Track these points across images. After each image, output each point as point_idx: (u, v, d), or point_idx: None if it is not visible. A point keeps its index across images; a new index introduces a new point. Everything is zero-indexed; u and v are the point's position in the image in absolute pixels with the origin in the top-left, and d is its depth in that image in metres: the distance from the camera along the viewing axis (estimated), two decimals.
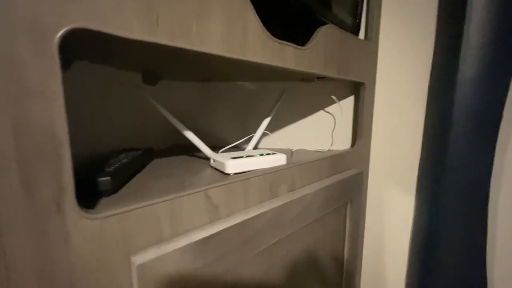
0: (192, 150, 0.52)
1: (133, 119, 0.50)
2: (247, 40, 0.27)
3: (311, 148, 0.57)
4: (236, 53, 0.26)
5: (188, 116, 0.62)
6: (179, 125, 0.39)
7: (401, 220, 0.61)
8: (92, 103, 0.42)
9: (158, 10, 0.20)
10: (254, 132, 0.60)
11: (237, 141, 0.61)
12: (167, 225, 0.23)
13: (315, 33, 0.37)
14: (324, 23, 0.39)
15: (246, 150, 0.46)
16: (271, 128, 0.60)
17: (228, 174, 0.33)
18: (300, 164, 0.38)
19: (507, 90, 0.47)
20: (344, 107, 0.56)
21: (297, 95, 0.57)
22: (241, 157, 0.35)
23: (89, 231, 0.18)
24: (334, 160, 0.46)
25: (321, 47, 0.38)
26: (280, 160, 0.37)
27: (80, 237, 0.18)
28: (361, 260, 0.63)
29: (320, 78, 0.51)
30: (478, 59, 0.47)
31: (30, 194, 0.16)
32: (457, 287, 0.53)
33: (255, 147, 0.52)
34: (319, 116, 0.57)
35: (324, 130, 0.58)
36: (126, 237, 0.20)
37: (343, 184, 0.45)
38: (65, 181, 0.17)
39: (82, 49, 0.26)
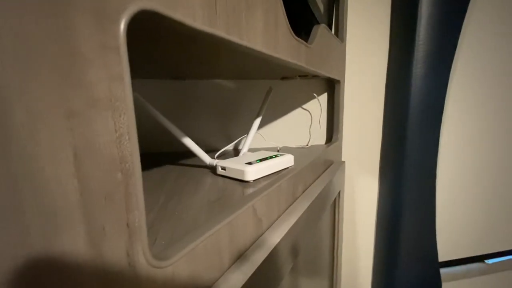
0: (170, 157, 0.46)
1: None
2: (278, 36, 0.25)
3: (291, 144, 0.58)
4: (271, 50, 0.24)
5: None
6: (175, 131, 0.34)
7: (368, 202, 0.68)
8: None
9: None
10: (236, 133, 0.57)
11: (217, 144, 0.57)
12: (227, 252, 0.19)
13: (313, 31, 0.37)
14: (311, 22, 0.40)
15: (243, 153, 0.43)
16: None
17: (248, 181, 0.30)
18: (309, 163, 0.38)
19: (446, 85, 0.57)
20: (317, 104, 0.59)
21: (275, 93, 0.57)
22: (255, 161, 0.33)
23: (162, 283, 0.14)
24: (325, 156, 0.48)
25: (319, 46, 0.38)
26: (289, 161, 0.36)
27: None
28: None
29: (302, 76, 0.52)
30: (425, 62, 0.56)
31: (99, 250, 0.11)
32: (415, 254, 0.63)
33: (238, 148, 0.49)
34: (296, 113, 0.59)
35: (300, 126, 0.59)
36: (194, 278, 0.16)
37: (337, 177, 0.47)
38: (137, 224, 0.12)
39: None
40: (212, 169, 0.37)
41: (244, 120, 0.57)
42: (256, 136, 0.58)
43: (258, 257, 0.21)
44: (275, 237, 0.24)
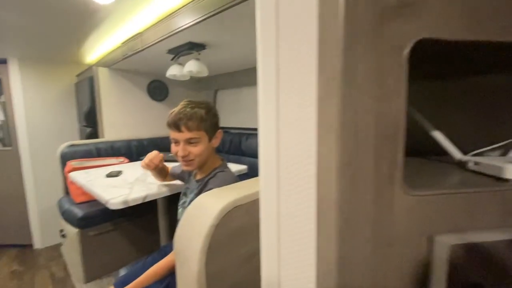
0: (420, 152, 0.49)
1: None
2: None
3: None
4: None
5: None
6: (426, 124, 0.39)
7: None
8: None
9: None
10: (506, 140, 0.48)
11: (477, 147, 0.51)
12: (462, 217, 0.23)
13: None
14: None
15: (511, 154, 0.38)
16: None
17: (507, 180, 0.29)
18: None
19: None
20: None
21: None
22: None
23: (408, 206, 0.23)
24: None
25: None
26: None
27: (401, 208, 0.22)
28: None
29: None
30: None
31: (377, 167, 0.22)
32: None
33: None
34: None
35: None
36: (431, 217, 0.23)
37: None
38: (398, 160, 0.22)
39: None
40: (461, 164, 0.37)
41: None
42: None
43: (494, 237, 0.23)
44: None
